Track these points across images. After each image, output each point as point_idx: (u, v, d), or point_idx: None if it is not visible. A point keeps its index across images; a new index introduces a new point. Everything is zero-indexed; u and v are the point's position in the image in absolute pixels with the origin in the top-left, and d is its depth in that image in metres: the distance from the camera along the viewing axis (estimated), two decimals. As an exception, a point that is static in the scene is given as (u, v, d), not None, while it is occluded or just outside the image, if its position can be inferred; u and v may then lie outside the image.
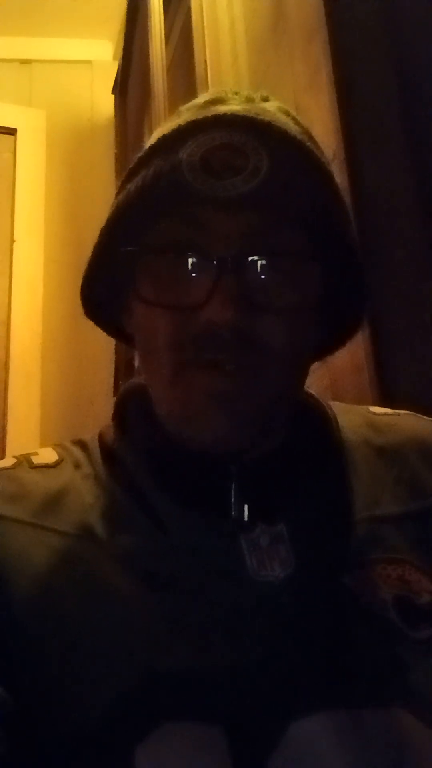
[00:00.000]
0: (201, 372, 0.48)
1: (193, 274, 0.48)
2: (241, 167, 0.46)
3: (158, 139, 0.49)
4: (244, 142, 0.46)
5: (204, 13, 1.62)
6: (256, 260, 0.48)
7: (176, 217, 0.48)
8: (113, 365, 2.06)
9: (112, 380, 2.07)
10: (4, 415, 2.16)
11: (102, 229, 0.52)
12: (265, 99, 0.52)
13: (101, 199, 2.16)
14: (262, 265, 0.48)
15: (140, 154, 0.50)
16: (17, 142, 2.47)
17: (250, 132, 0.46)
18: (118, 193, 0.52)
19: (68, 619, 0.46)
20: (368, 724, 0.42)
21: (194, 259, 0.48)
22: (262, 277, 0.48)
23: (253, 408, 0.48)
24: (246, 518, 0.49)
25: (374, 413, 0.61)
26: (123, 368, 1.93)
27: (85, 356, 2.23)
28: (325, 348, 0.59)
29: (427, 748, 0.42)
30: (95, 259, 0.53)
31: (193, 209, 0.48)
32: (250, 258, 0.47)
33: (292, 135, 0.48)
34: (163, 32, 1.86)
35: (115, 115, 2.53)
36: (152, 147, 0.49)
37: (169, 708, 0.42)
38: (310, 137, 0.53)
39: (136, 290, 0.50)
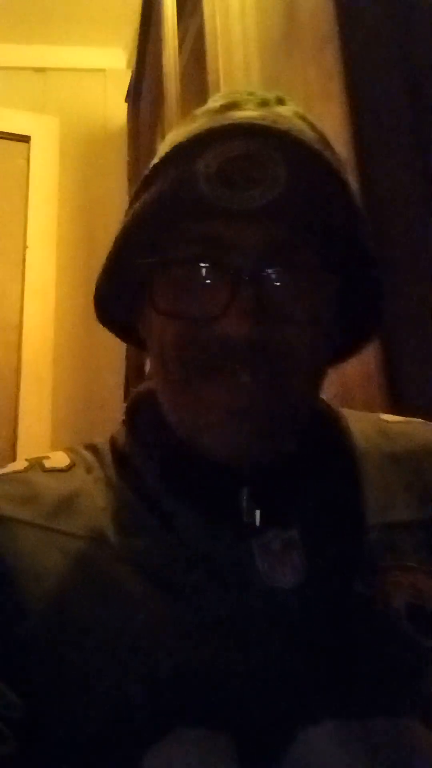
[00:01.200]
0: (214, 381, 0.48)
1: (210, 286, 0.48)
2: (260, 179, 0.45)
3: (174, 147, 0.48)
4: (261, 152, 0.45)
5: (217, 22, 1.63)
6: (274, 272, 0.47)
7: (193, 228, 0.48)
8: (124, 370, 2.06)
9: (122, 385, 2.07)
10: (16, 419, 2.17)
11: (117, 237, 0.52)
12: (281, 101, 0.51)
13: (114, 206, 2.17)
14: (279, 277, 0.48)
15: (155, 161, 0.50)
16: (31, 150, 2.48)
17: (267, 140, 0.46)
18: (133, 201, 0.52)
19: (79, 621, 0.46)
20: (378, 733, 0.42)
21: (211, 271, 0.48)
22: (280, 289, 0.47)
23: (271, 422, 0.48)
24: (258, 523, 0.49)
25: (386, 420, 0.61)
26: (134, 373, 1.94)
27: (96, 361, 2.23)
28: (338, 355, 0.59)
29: None
30: (109, 265, 0.53)
31: (211, 221, 0.47)
32: (266, 270, 0.47)
33: (309, 144, 0.47)
34: (176, 40, 1.87)
35: (128, 123, 2.54)
36: (168, 155, 0.49)
37: (178, 713, 0.42)
38: (327, 142, 0.52)
39: (151, 300, 0.50)
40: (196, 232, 0.48)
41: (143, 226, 0.50)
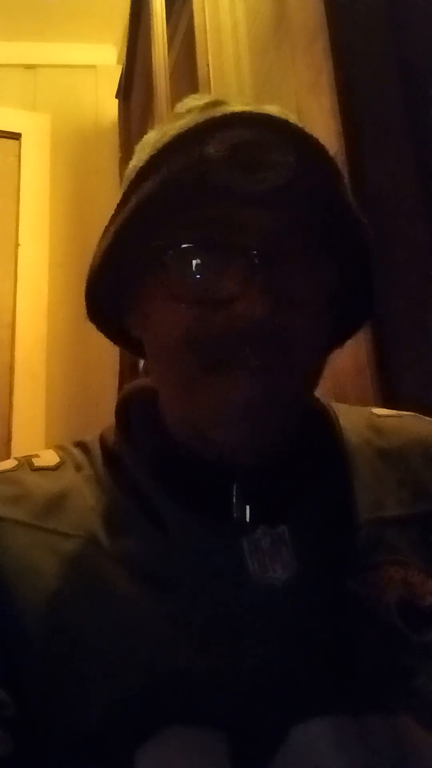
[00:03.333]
0: (219, 375, 0.47)
1: (225, 269, 0.47)
2: (269, 163, 0.46)
3: (173, 137, 0.48)
4: (267, 138, 0.46)
5: (206, 17, 1.62)
6: (286, 255, 0.48)
7: (204, 212, 0.48)
8: (118, 368, 2.06)
9: (116, 383, 2.07)
10: (10, 417, 2.17)
11: (114, 229, 0.51)
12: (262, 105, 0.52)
13: (106, 202, 2.15)
14: (289, 260, 0.48)
15: (152, 152, 0.49)
16: (22, 147, 2.47)
17: (269, 130, 0.46)
18: (126, 194, 0.51)
19: (70, 620, 0.46)
20: (370, 729, 0.42)
21: (224, 254, 0.48)
22: (289, 272, 0.48)
23: (278, 410, 0.48)
24: (248, 519, 0.49)
25: (377, 415, 0.61)
26: (127, 371, 1.93)
27: (89, 359, 2.23)
28: (329, 346, 0.59)
29: (430, 754, 0.42)
30: (105, 259, 0.52)
31: (220, 204, 0.47)
32: (280, 252, 0.47)
33: (308, 133, 0.48)
34: (165, 36, 1.87)
35: (119, 119, 2.54)
36: (167, 145, 0.48)
37: (170, 711, 0.42)
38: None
39: (165, 285, 0.49)
40: (206, 217, 0.48)
41: (145, 216, 0.49)
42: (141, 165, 0.50)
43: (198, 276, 0.48)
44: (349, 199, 0.52)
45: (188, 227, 0.48)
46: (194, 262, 0.48)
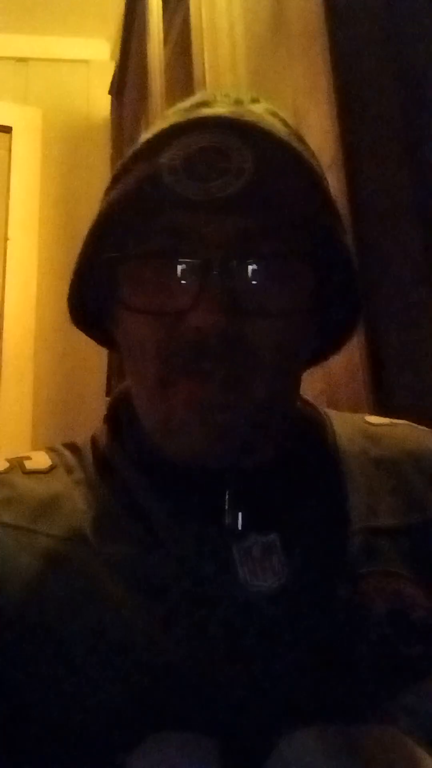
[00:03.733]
0: (185, 384, 0.47)
1: (179, 280, 0.47)
2: (225, 169, 0.45)
3: (141, 144, 0.48)
4: (227, 144, 0.45)
5: (203, 15, 1.62)
6: (243, 264, 0.47)
7: (159, 222, 0.47)
8: (106, 364, 2.05)
9: (104, 379, 2.06)
10: (-4, 413, 2.15)
11: (86, 235, 0.51)
12: (255, 100, 0.51)
13: (96, 198, 2.13)
14: (249, 268, 0.47)
15: (124, 159, 0.50)
16: (12, 140, 2.46)
17: (233, 134, 0.45)
18: (102, 200, 0.51)
19: (57, 622, 0.45)
20: (358, 739, 0.42)
21: (179, 265, 0.47)
22: (250, 280, 0.47)
23: (238, 419, 0.47)
24: (239, 526, 0.49)
25: (370, 423, 0.61)
26: (116, 367, 1.92)
27: (77, 355, 2.22)
28: (320, 354, 0.58)
29: (416, 765, 0.42)
30: (81, 268, 0.52)
31: (176, 214, 0.47)
32: (235, 261, 0.46)
33: (277, 136, 0.46)
34: (161, 33, 1.86)
35: (112, 115, 2.53)
36: (135, 152, 0.48)
37: (161, 716, 0.42)
38: (299, 138, 0.52)
39: (120, 298, 0.49)
40: (162, 226, 0.47)
41: (111, 223, 0.49)
42: (115, 172, 0.50)
43: (153, 290, 0.48)
44: (326, 202, 0.50)
45: (143, 239, 0.48)
46: (148, 275, 0.48)
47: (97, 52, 2.69)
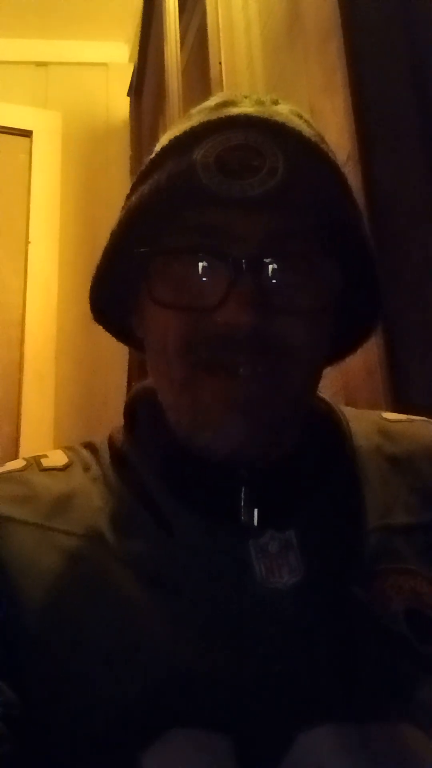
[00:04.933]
0: (214, 377, 0.47)
1: (209, 276, 0.47)
2: (257, 168, 0.45)
3: (170, 141, 0.48)
4: (259, 142, 0.46)
5: (219, 15, 1.62)
6: (273, 262, 0.47)
7: (191, 218, 0.48)
8: (127, 366, 2.06)
9: (125, 381, 2.07)
10: (18, 415, 2.17)
11: (113, 231, 0.51)
12: (276, 102, 0.52)
13: (116, 201, 2.14)
14: (279, 266, 0.47)
15: (152, 156, 0.50)
16: (33, 144, 2.48)
17: (264, 133, 0.46)
18: (129, 196, 0.51)
19: (74, 620, 0.46)
20: (375, 738, 0.42)
21: (210, 261, 0.47)
22: (280, 278, 0.47)
23: (270, 415, 0.48)
24: (255, 523, 0.49)
25: (387, 419, 0.61)
26: (136, 369, 1.93)
27: (98, 357, 2.23)
28: (338, 352, 0.58)
29: None
30: (106, 262, 0.53)
31: (209, 210, 0.47)
32: (266, 259, 0.47)
33: (306, 137, 0.47)
34: (178, 34, 1.86)
35: (131, 117, 2.54)
36: (165, 149, 0.49)
37: (176, 714, 0.42)
38: (323, 140, 0.52)
39: (149, 292, 0.49)
40: (193, 223, 0.48)
41: (140, 219, 0.50)
42: (142, 168, 0.50)
43: (179, 284, 0.48)
44: (349, 201, 0.51)
45: (174, 234, 0.49)
46: (179, 271, 0.48)
47: (115, 54, 2.71)
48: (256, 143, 0.45)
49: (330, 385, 0.94)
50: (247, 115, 0.47)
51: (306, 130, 0.49)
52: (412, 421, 0.61)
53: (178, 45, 1.85)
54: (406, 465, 0.55)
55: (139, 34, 2.33)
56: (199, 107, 0.52)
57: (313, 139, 0.48)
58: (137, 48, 2.37)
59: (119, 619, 0.45)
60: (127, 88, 2.56)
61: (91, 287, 0.54)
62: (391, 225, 0.91)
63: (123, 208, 0.52)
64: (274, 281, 0.47)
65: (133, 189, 0.51)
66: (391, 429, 0.59)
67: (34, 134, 2.49)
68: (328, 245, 0.49)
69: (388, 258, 0.89)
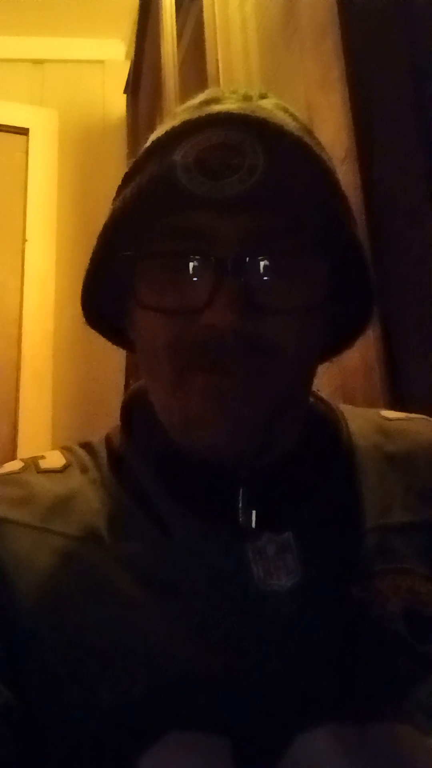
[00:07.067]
0: (202, 379, 0.47)
1: (194, 279, 0.47)
2: (238, 166, 0.44)
3: (152, 142, 0.48)
4: (239, 140, 0.45)
5: (216, 12, 1.61)
6: (257, 261, 0.46)
7: (174, 220, 0.47)
8: (124, 365, 2.06)
9: (123, 379, 2.07)
10: (16, 413, 2.17)
11: (99, 235, 0.51)
12: (263, 96, 0.51)
13: (113, 198, 2.16)
14: (263, 266, 0.46)
15: (136, 158, 0.50)
16: (29, 142, 2.47)
17: (245, 130, 0.45)
18: (114, 199, 0.51)
19: (71, 621, 0.46)
20: (373, 738, 0.42)
21: (193, 263, 0.47)
22: (264, 278, 0.46)
23: (257, 413, 0.47)
24: (254, 525, 0.49)
25: (386, 417, 0.60)
26: (134, 368, 1.93)
27: (96, 355, 2.23)
28: (333, 349, 0.58)
29: (430, 764, 0.41)
30: (94, 266, 0.52)
31: (190, 211, 0.46)
32: (249, 259, 0.46)
33: (288, 131, 0.46)
34: (174, 31, 1.86)
35: (127, 115, 2.53)
36: (147, 150, 0.48)
37: (174, 716, 0.42)
38: (310, 133, 0.51)
39: (135, 296, 0.49)
40: (176, 225, 0.47)
41: (124, 223, 0.49)
42: (127, 170, 0.50)
43: (164, 287, 0.48)
44: (338, 196, 0.50)
45: (157, 237, 0.48)
46: (162, 273, 0.48)
47: (111, 52, 2.70)
48: (235, 141, 0.45)
49: (328, 383, 0.93)
50: (228, 113, 0.46)
51: (290, 124, 0.48)
52: (411, 419, 0.61)
53: (175, 42, 1.84)
54: (405, 463, 0.55)
55: (135, 32, 2.32)
56: (184, 105, 0.52)
57: (296, 133, 0.47)
58: (134, 45, 2.37)
59: (116, 621, 0.45)
60: (124, 85, 2.56)
61: (83, 292, 0.54)
62: (389, 222, 0.91)
63: (109, 211, 0.51)
64: (258, 281, 0.46)
65: (118, 192, 0.51)
66: (390, 427, 0.58)
67: (30, 132, 2.48)
68: (315, 242, 0.48)
69: (384, 254, 0.89)
